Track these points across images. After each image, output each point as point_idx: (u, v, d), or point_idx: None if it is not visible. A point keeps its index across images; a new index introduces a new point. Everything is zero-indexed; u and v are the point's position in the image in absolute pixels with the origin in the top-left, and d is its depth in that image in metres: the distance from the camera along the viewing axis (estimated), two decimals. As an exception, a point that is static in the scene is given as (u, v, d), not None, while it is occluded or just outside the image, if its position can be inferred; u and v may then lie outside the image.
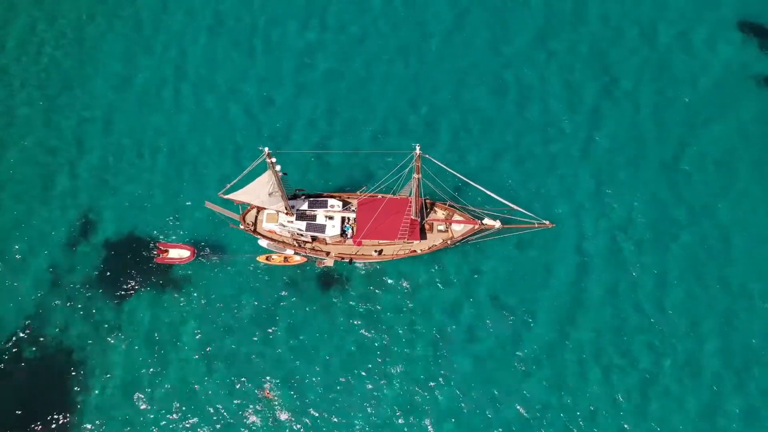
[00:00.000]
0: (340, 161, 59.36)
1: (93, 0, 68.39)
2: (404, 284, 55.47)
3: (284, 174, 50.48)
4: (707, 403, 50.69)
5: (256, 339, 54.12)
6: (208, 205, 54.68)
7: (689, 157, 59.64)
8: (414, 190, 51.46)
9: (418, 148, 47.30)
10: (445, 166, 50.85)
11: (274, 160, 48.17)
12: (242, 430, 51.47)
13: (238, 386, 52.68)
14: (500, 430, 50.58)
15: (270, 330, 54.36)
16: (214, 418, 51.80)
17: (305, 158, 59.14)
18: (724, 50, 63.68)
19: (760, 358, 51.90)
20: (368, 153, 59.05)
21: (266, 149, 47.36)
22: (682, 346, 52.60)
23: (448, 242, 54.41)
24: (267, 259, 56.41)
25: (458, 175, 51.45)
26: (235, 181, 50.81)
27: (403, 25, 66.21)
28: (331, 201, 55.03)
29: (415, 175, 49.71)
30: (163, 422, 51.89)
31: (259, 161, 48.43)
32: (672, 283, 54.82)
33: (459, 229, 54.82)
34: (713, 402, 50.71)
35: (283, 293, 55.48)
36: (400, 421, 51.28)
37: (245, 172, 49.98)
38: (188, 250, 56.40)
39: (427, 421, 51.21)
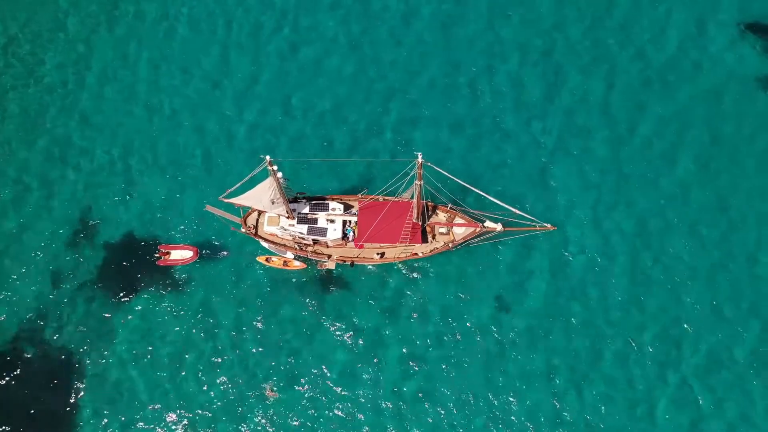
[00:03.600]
0: (342, 168, 59.07)
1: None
2: (406, 286, 55.65)
3: (286, 180, 50.28)
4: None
5: (257, 338, 54.41)
6: (209, 208, 54.68)
7: (690, 159, 59.52)
8: (416, 195, 51.39)
9: (420, 156, 47.15)
10: (447, 174, 50.71)
11: (275, 167, 47.95)
12: (244, 429, 51.98)
13: (239, 386, 53.09)
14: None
15: (271, 330, 54.66)
16: (215, 417, 52.30)
17: (306, 165, 58.72)
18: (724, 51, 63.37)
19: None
20: (370, 161, 58.73)
21: (267, 157, 47.12)
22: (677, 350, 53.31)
23: (450, 245, 54.46)
24: (267, 260, 56.47)
25: (460, 181, 51.34)
26: (235, 187, 50.71)
27: (400, 29, 65.81)
28: (332, 204, 54.93)
29: (417, 182, 49.60)
30: (163, 422, 52.38)
31: (259, 169, 48.21)
32: (674, 283, 55.27)
33: (460, 232, 54.81)
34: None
35: (284, 294, 55.63)
36: (401, 420, 51.96)
37: (246, 179, 49.80)
38: (191, 250, 56.43)
39: (431, 424, 51.88)
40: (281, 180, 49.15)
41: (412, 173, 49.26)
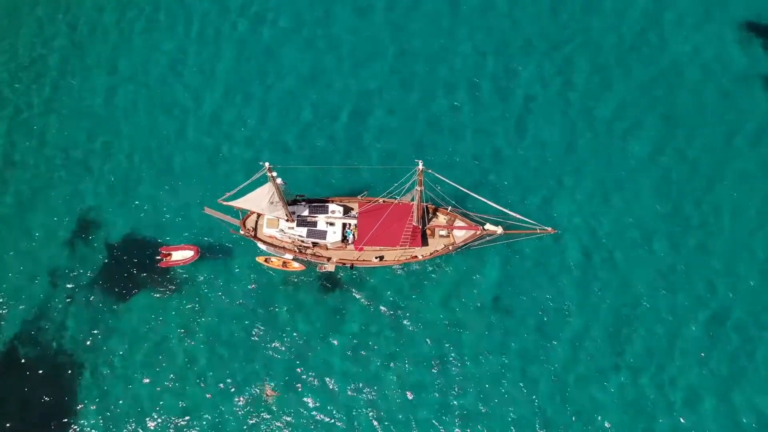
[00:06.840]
0: (342, 173, 58.61)
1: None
2: (405, 288, 55.61)
3: (285, 183, 49.86)
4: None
5: (257, 338, 54.56)
6: (208, 210, 54.27)
7: (695, 160, 59.33)
8: (417, 199, 51.03)
9: (420, 164, 46.76)
10: (449, 181, 50.31)
11: (275, 174, 47.53)
12: (243, 428, 52.31)
13: (239, 385, 53.35)
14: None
15: (271, 330, 54.77)
16: (215, 417, 52.58)
17: (305, 170, 58.16)
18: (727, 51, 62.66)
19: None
20: (371, 168, 58.22)
21: (267, 164, 46.68)
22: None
23: (450, 248, 54.25)
24: (266, 261, 56.33)
25: (460, 188, 50.99)
26: (234, 192, 50.27)
27: (398, 33, 64.99)
28: (332, 206, 54.54)
29: (418, 188, 49.21)
30: (163, 422, 52.63)
31: (259, 175, 47.79)
32: (676, 282, 55.37)
33: (461, 234, 54.53)
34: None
35: (284, 295, 55.63)
36: (401, 420, 52.24)
37: (244, 184, 49.40)
38: (192, 249, 56.32)
39: (434, 424, 52.23)
40: (280, 184, 48.76)
41: (413, 180, 48.84)
